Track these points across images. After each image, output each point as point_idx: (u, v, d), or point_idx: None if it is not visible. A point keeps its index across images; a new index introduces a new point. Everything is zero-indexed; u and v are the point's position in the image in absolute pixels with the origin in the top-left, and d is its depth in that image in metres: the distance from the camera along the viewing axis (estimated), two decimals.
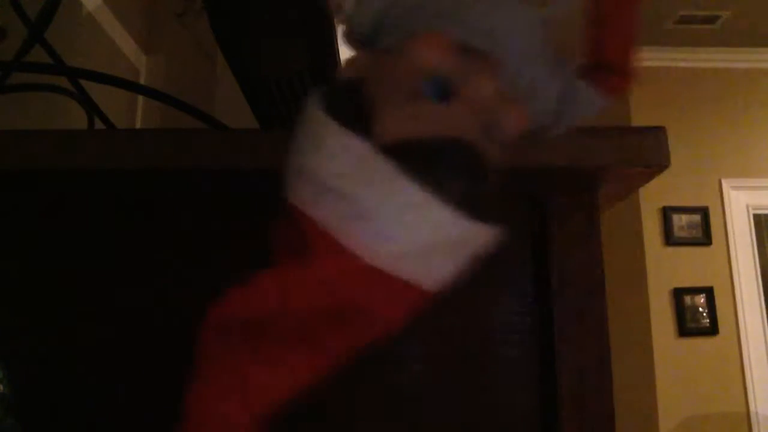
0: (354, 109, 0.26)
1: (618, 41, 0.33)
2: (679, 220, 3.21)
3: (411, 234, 0.25)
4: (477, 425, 0.50)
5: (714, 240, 3.23)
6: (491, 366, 0.50)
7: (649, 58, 3.23)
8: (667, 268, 3.17)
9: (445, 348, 0.51)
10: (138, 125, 1.54)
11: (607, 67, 0.33)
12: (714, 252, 3.22)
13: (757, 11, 3.02)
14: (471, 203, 0.26)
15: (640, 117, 3.02)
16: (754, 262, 3.23)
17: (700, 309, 3.13)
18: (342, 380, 0.50)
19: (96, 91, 0.75)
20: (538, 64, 0.31)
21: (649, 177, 0.47)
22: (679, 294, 3.13)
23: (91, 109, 0.77)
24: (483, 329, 0.51)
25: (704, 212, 3.23)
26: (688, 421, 3.00)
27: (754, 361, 3.10)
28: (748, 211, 3.28)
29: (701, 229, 3.22)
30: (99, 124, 0.78)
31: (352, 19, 0.32)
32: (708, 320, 3.12)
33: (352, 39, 0.32)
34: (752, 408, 3.05)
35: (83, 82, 0.76)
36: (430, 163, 0.25)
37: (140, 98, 1.55)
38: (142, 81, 1.65)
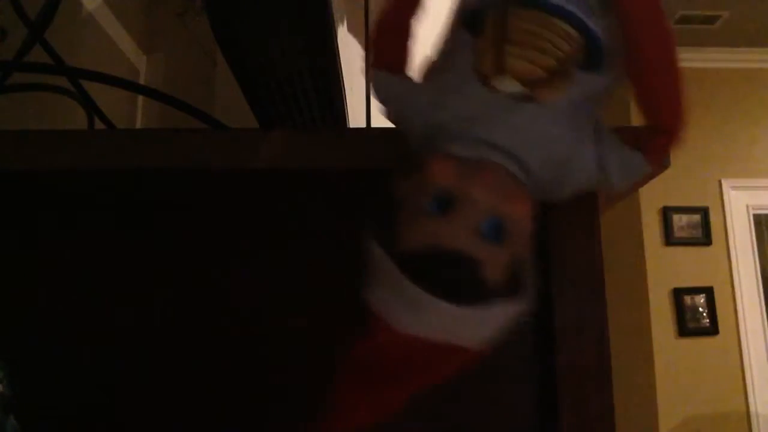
0: (388, 225, 0.34)
1: (671, 104, 0.36)
2: (679, 220, 3.21)
3: (420, 321, 0.32)
4: (477, 425, 0.50)
5: (714, 240, 3.23)
6: (491, 366, 0.50)
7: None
8: (667, 268, 3.17)
9: None
10: (138, 125, 1.54)
11: (656, 129, 0.36)
12: (714, 252, 3.22)
13: (757, 11, 3.02)
14: (471, 293, 0.32)
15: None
16: (754, 262, 3.23)
17: (700, 309, 3.13)
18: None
19: (96, 91, 0.75)
20: (567, 143, 0.35)
21: (649, 177, 0.47)
22: (679, 294, 3.13)
23: (91, 109, 0.77)
24: None
25: (704, 212, 3.23)
26: (688, 421, 3.00)
27: (754, 361, 3.10)
28: (748, 211, 3.28)
29: (701, 229, 3.22)
30: (99, 124, 0.78)
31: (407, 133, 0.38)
32: (708, 320, 3.12)
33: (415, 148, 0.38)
34: (752, 408, 3.05)
35: (83, 82, 0.76)
36: (428, 268, 0.32)
37: (140, 98, 1.55)
38: (142, 81, 1.65)
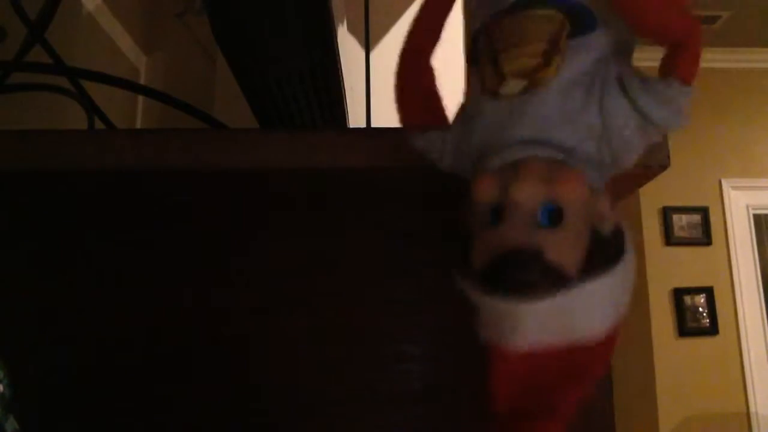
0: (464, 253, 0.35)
1: (678, 13, 0.34)
2: (679, 220, 3.21)
3: (522, 331, 0.32)
4: (476, 426, 0.50)
5: (714, 240, 3.22)
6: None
7: (649, 58, 3.23)
8: (667, 268, 3.16)
9: (444, 347, 0.51)
10: (138, 125, 1.54)
11: (675, 49, 0.35)
12: (714, 252, 3.22)
13: (757, 11, 3.02)
14: (547, 283, 0.31)
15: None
16: (754, 262, 3.23)
17: (700, 309, 3.13)
18: (342, 380, 0.50)
19: (96, 91, 0.75)
20: (590, 109, 0.35)
21: (649, 177, 0.47)
22: (679, 294, 3.13)
23: (91, 109, 0.77)
24: None
25: (704, 212, 3.23)
26: (688, 421, 3.00)
27: (754, 361, 3.10)
28: (748, 211, 3.28)
29: (701, 229, 3.22)
30: (99, 124, 0.78)
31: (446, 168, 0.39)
32: (708, 320, 3.12)
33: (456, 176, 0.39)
34: (752, 408, 3.05)
35: (83, 82, 0.76)
36: (500, 275, 0.32)
37: (140, 98, 1.55)
38: (142, 81, 1.65)
